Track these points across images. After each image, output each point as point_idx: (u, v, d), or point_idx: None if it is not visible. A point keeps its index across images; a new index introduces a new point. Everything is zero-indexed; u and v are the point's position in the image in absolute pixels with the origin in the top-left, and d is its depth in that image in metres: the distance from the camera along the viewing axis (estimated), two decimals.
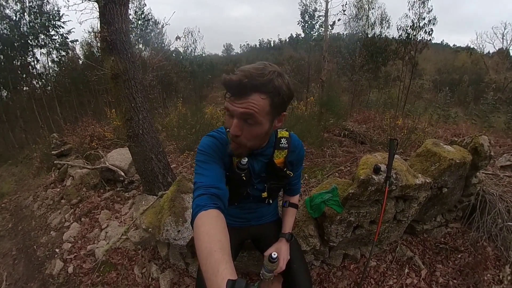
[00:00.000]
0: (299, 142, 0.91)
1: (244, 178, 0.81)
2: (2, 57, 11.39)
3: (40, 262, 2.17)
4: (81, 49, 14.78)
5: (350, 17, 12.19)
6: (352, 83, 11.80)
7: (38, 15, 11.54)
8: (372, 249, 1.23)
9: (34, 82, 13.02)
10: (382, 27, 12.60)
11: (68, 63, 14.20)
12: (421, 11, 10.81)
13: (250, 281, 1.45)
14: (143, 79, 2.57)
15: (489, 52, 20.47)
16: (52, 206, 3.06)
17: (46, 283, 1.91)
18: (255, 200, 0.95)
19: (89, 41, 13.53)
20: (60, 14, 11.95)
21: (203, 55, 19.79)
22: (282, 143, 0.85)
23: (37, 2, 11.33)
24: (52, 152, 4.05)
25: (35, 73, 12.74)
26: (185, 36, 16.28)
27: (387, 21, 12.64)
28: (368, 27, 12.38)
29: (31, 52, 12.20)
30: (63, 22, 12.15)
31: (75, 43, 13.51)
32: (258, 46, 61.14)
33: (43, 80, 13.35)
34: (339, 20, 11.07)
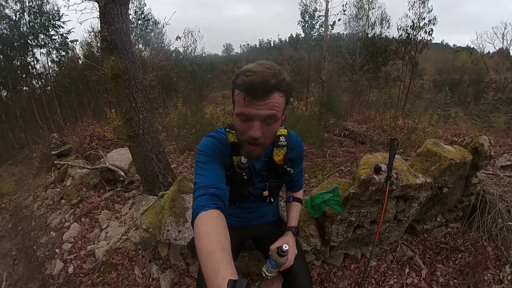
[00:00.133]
0: (297, 138, 0.92)
1: (245, 177, 0.81)
2: (1, 57, 11.38)
3: (40, 263, 2.17)
4: (81, 49, 14.79)
5: (350, 17, 12.20)
6: (352, 83, 11.79)
7: (38, 15, 11.53)
8: (373, 249, 1.23)
9: (34, 82, 13.01)
10: (382, 27, 12.60)
11: (68, 63, 14.19)
12: (421, 11, 10.81)
13: (251, 281, 1.45)
14: (143, 79, 2.57)
15: (489, 52, 20.49)
16: (52, 206, 3.06)
17: (46, 284, 1.91)
18: (256, 200, 0.95)
19: (89, 41, 13.54)
20: (60, 14, 11.94)
21: (203, 55, 19.79)
22: (281, 141, 0.86)
23: (37, 2, 11.31)
24: (52, 152, 4.04)
25: (34, 73, 12.72)
26: (185, 36, 16.29)
27: (387, 21, 12.64)
28: (368, 27, 12.37)
29: (31, 52, 12.19)
30: (63, 22, 12.15)
31: (75, 43, 13.52)
32: (258, 46, 61.15)
33: (42, 80, 13.33)
34: (339, 20, 11.10)
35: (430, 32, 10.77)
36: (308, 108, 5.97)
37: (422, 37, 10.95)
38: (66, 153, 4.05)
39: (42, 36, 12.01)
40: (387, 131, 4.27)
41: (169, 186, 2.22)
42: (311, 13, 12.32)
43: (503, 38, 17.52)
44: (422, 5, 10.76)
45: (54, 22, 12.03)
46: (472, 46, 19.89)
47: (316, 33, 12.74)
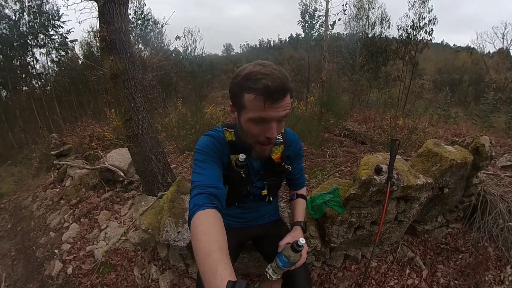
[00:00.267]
0: (294, 135, 0.92)
1: (243, 175, 0.81)
2: (1, 57, 11.35)
3: (39, 263, 2.16)
4: (80, 49, 14.77)
5: (350, 17, 12.18)
6: (352, 83, 11.78)
7: (37, 14, 11.50)
8: (374, 250, 1.23)
9: (34, 82, 12.98)
10: (382, 27, 12.58)
11: (68, 63, 14.17)
12: (421, 11, 10.79)
13: (250, 282, 1.44)
14: (143, 79, 2.56)
15: (489, 52, 20.49)
16: (51, 207, 3.05)
17: (45, 284, 1.90)
18: (255, 199, 0.95)
19: (89, 41, 13.51)
20: (60, 14, 11.92)
21: (203, 55, 19.77)
22: (278, 138, 0.86)
23: (37, 2, 11.29)
24: (52, 152, 4.03)
25: (34, 73, 12.70)
26: (185, 36, 16.27)
27: (388, 21, 12.63)
28: (368, 27, 12.35)
29: (31, 52, 12.17)
30: (63, 22, 12.13)
31: (74, 43, 13.49)
32: (258, 46, 61.09)
33: (42, 80, 13.31)
34: (339, 20, 11.11)
35: (430, 32, 10.76)
36: (308, 108, 5.96)
37: (422, 37, 10.94)
38: (65, 153, 4.04)
39: (41, 36, 11.99)
40: (387, 131, 4.26)
41: (168, 186, 2.21)
42: (311, 13, 12.32)
43: (503, 38, 17.52)
44: (422, 5, 10.75)
45: (53, 22, 12.02)
46: (472, 46, 19.90)
47: (316, 33, 12.74)
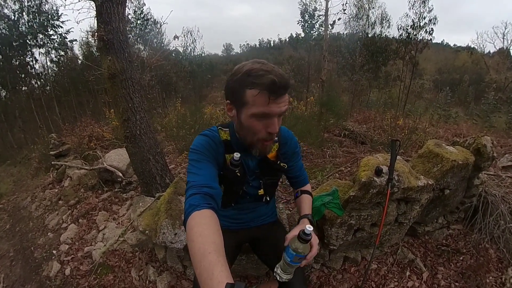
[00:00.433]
0: (289, 133, 0.91)
1: (238, 174, 0.80)
2: (0, 57, 11.33)
3: (37, 264, 2.15)
4: (80, 48, 14.75)
5: (350, 16, 12.15)
6: (352, 83, 11.76)
7: (36, 14, 11.47)
8: (374, 252, 1.21)
9: (33, 82, 12.95)
10: (382, 27, 12.54)
11: (67, 63, 14.14)
12: (421, 11, 10.76)
13: (248, 284, 1.42)
14: (141, 79, 2.55)
15: (489, 51, 20.47)
16: (50, 207, 3.04)
17: (43, 285, 1.89)
18: (252, 199, 0.93)
19: (88, 40, 13.48)
20: (59, 14, 11.90)
21: (203, 54, 19.73)
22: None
23: (36, 2, 11.26)
24: (51, 152, 4.02)
25: (33, 73, 12.67)
26: (184, 35, 16.23)
27: (388, 20, 12.59)
28: (368, 27, 12.32)
29: (30, 52, 12.14)
30: (62, 22, 12.10)
31: (72, 43, 13.45)
32: (258, 46, 61.06)
33: (42, 80, 13.28)
34: (339, 19, 11.06)
35: (431, 32, 10.72)
36: (308, 108, 5.94)
37: (423, 37, 10.89)
38: (64, 154, 4.03)
39: (41, 36, 11.96)
40: (388, 131, 4.25)
41: (166, 187, 2.19)
42: (311, 12, 12.28)
43: (503, 38, 17.49)
44: (423, 5, 10.71)
45: (53, 22, 11.99)
46: (472, 46, 19.86)
47: (316, 32, 12.70)
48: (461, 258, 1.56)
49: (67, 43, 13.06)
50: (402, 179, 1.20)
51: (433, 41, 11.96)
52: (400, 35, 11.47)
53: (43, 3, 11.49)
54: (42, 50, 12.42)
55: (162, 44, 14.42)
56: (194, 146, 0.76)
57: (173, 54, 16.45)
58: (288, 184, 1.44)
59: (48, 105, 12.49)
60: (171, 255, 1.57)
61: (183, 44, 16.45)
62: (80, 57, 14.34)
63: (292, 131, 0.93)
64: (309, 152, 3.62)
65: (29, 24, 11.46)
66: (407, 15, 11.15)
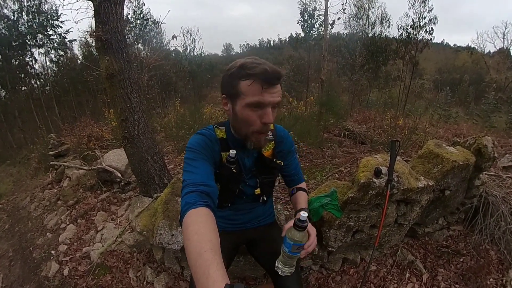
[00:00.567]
0: (284, 131, 0.92)
1: (234, 171, 0.80)
2: (0, 57, 11.34)
3: (36, 264, 2.15)
4: (79, 49, 14.72)
5: (350, 16, 12.14)
6: (352, 83, 11.75)
7: (36, 14, 11.45)
8: (373, 254, 1.19)
9: (33, 82, 12.94)
10: (382, 27, 12.53)
11: (67, 63, 14.12)
12: (421, 10, 10.74)
13: (246, 285, 1.41)
14: (139, 79, 2.53)
15: (489, 51, 20.46)
16: (48, 207, 3.03)
17: (42, 286, 1.88)
18: (249, 199, 0.93)
19: (87, 40, 13.45)
20: (58, 14, 11.88)
21: (202, 54, 19.72)
22: (268, 135, 0.85)
23: (35, 2, 11.24)
24: (50, 152, 4.01)
25: (33, 73, 12.65)
26: (183, 35, 16.22)
27: (388, 20, 12.57)
28: (368, 26, 12.30)
29: (29, 52, 12.12)
30: (61, 22, 12.09)
31: (72, 43, 13.43)
32: (258, 45, 61.05)
33: (41, 80, 13.26)
34: (339, 19, 11.06)
35: (431, 32, 10.70)
36: (308, 108, 5.92)
37: (423, 37, 10.87)
38: (63, 154, 4.02)
39: (40, 36, 11.94)
40: (388, 131, 4.23)
41: (164, 187, 2.18)
42: (311, 12, 12.24)
43: (503, 38, 17.48)
44: (423, 4, 10.69)
45: (52, 22, 11.97)
46: (472, 46, 19.85)
47: (316, 32, 12.68)
48: (461, 259, 1.55)
49: (66, 43, 13.05)
50: (401, 180, 1.19)
51: (433, 41, 11.92)
52: (400, 35, 11.45)
53: (43, 3, 11.48)
54: (42, 50, 12.41)
55: (162, 44, 14.41)
56: (190, 145, 0.76)
57: (173, 54, 16.45)
58: None
59: (47, 105, 12.49)
60: (168, 256, 1.56)
61: (182, 44, 16.45)
62: (80, 57, 14.32)
63: (291, 131, 0.93)
64: (308, 152, 3.60)
65: (29, 24, 11.44)
66: (407, 14, 11.14)
